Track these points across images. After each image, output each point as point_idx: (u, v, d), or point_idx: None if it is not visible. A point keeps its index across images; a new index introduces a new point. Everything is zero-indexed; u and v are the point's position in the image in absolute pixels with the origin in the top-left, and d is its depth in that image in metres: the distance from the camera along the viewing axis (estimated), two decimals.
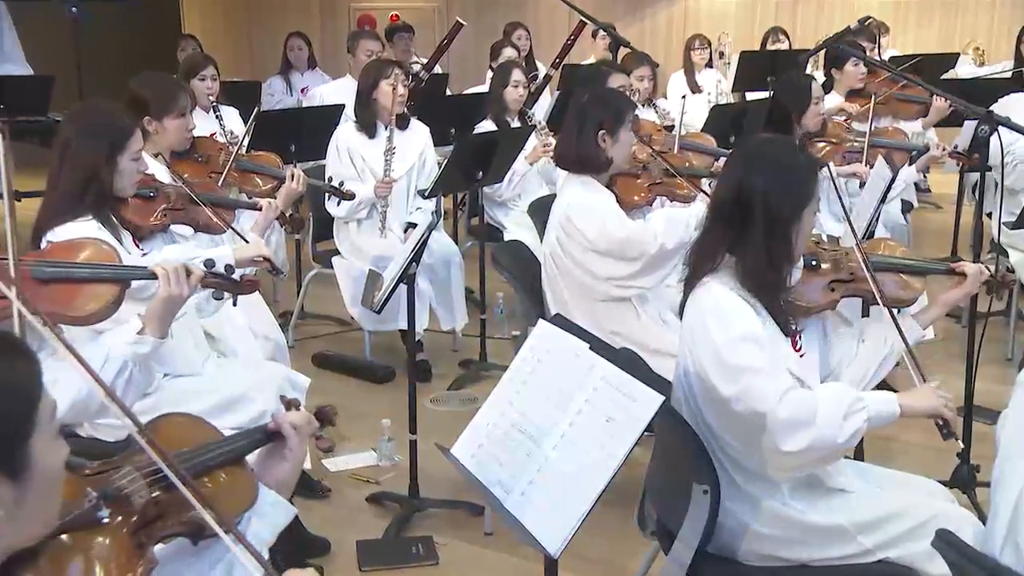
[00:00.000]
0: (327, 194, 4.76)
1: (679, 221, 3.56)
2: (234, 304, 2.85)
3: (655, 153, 4.14)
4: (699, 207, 3.65)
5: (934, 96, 5.51)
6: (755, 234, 2.39)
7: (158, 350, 2.59)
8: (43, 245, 2.86)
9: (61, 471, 1.43)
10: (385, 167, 4.99)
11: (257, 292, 4.20)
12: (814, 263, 2.72)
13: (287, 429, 1.99)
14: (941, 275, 2.86)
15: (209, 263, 2.71)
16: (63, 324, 2.52)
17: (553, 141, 5.51)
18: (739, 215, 2.41)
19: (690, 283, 2.51)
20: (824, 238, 2.95)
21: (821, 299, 2.67)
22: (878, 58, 6.61)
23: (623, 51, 6.29)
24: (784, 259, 2.44)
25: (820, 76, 6.07)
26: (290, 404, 2.14)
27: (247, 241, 3.42)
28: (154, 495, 1.66)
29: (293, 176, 4.05)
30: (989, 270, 2.84)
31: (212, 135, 5.04)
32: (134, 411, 1.76)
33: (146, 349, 2.53)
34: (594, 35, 7.87)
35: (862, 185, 4.52)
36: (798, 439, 2.28)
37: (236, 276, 2.75)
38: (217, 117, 5.24)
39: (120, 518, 1.61)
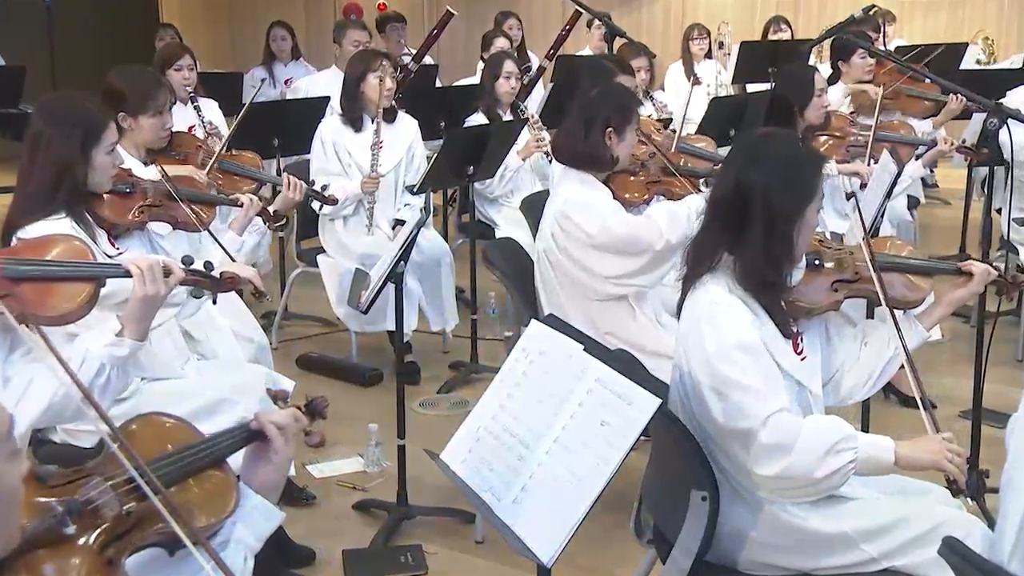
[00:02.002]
0: (309, 198, 4.72)
1: (680, 215, 3.57)
2: (214, 302, 2.84)
3: (657, 151, 4.13)
4: (696, 199, 3.66)
5: (950, 95, 5.49)
6: (754, 232, 2.39)
7: (136, 353, 2.58)
8: (13, 243, 2.85)
9: (18, 490, 1.39)
10: (372, 162, 4.98)
11: (237, 292, 4.21)
12: (817, 262, 2.72)
13: (271, 430, 1.98)
14: (948, 275, 2.86)
15: (187, 259, 2.70)
16: (37, 324, 2.51)
17: (546, 136, 5.53)
18: (738, 213, 2.41)
19: (688, 283, 2.51)
20: (828, 236, 2.95)
21: (824, 300, 2.66)
22: (883, 48, 6.62)
23: (618, 42, 6.29)
24: (784, 259, 2.44)
25: (826, 68, 6.07)
26: (277, 397, 2.13)
27: (222, 245, 3.41)
28: (126, 507, 1.64)
29: (290, 184, 4.01)
30: (998, 270, 2.84)
31: (191, 128, 5.03)
32: (110, 415, 1.75)
33: (124, 352, 2.52)
34: (589, 25, 7.87)
35: (863, 186, 4.53)
36: (772, 465, 2.30)
37: (215, 273, 2.73)
38: (196, 108, 5.22)
39: (88, 532, 1.59)
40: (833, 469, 2.30)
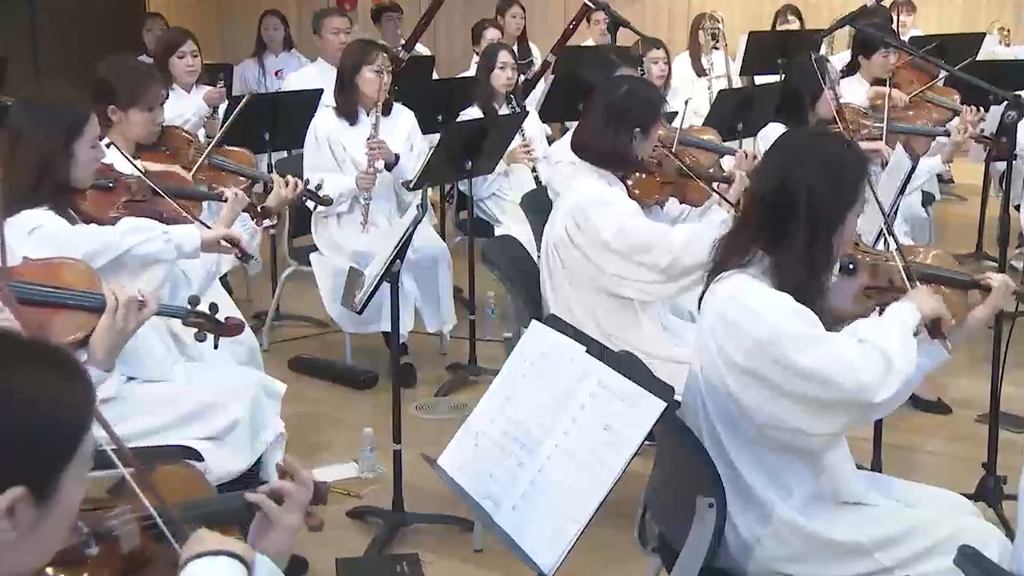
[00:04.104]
0: (304, 197, 4.69)
1: (704, 240, 3.49)
2: (215, 347, 2.86)
3: (671, 153, 4.13)
4: (722, 224, 3.66)
5: (966, 106, 5.49)
6: (796, 235, 2.39)
7: (103, 383, 2.60)
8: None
9: (75, 514, 1.44)
10: (369, 157, 4.97)
11: (227, 291, 4.21)
12: (852, 267, 2.71)
13: (267, 504, 1.93)
14: (963, 288, 2.83)
15: (193, 300, 2.74)
16: None
17: (530, 140, 5.56)
18: (779, 212, 2.41)
19: (711, 276, 2.51)
20: (863, 239, 2.93)
21: (855, 306, 2.66)
22: (899, 39, 6.61)
23: (622, 34, 6.29)
24: (824, 263, 2.44)
25: (843, 58, 6.07)
26: (285, 473, 2.13)
27: (207, 225, 3.42)
28: (143, 544, 1.68)
29: (287, 183, 3.95)
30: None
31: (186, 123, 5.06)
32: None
33: None
34: (588, 20, 7.86)
35: (884, 164, 4.54)
36: (887, 389, 2.30)
37: (220, 317, 2.76)
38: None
39: (108, 559, 1.63)
40: (914, 354, 2.35)
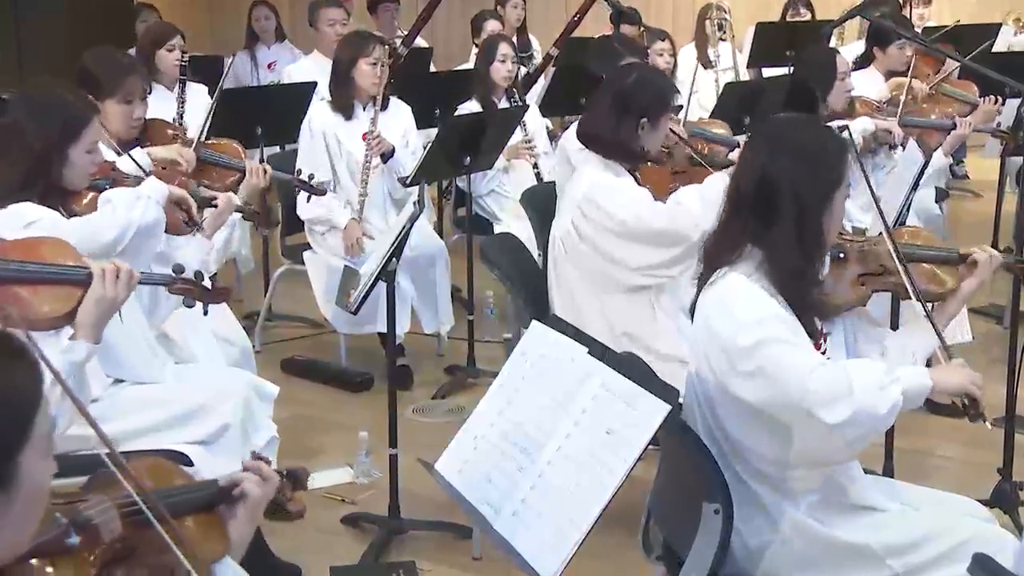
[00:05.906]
0: (296, 188, 4.70)
1: (711, 199, 3.50)
2: (204, 313, 2.86)
3: (681, 140, 4.14)
4: (722, 177, 3.64)
5: (984, 97, 5.50)
6: (784, 224, 2.40)
7: (92, 359, 2.60)
8: None
9: (47, 491, 1.47)
10: (366, 152, 4.97)
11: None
12: (841, 256, 2.73)
13: (248, 487, 1.98)
14: (952, 264, 2.86)
15: (178, 268, 2.73)
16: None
17: (532, 136, 5.56)
18: (764, 205, 2.42)
19: (703, 279, 2.51)
20: (850, 229, 2.96)
21: (851, 295, 2.69)
22: (912, 30, 6.61)
23: (628, 26, 6.31)
24: (816, 250, 2.46)
25: (847, 51, 6.06)
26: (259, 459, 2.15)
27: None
28: (125, 532, 1.68)
29: (254, 170, 3.97)
30: (1011, 251, 2.85)
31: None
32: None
33: (80, 356, 2.54)
34: (613, 21, 7.86)
35: (893, 148, 4.54)
36: (840, 409, 2.27)
37: (207, 283, 2.76)
38: (181, 92, 5.21)
39: (88, 549, 1.64)
40: (891, 403, 2.31)
